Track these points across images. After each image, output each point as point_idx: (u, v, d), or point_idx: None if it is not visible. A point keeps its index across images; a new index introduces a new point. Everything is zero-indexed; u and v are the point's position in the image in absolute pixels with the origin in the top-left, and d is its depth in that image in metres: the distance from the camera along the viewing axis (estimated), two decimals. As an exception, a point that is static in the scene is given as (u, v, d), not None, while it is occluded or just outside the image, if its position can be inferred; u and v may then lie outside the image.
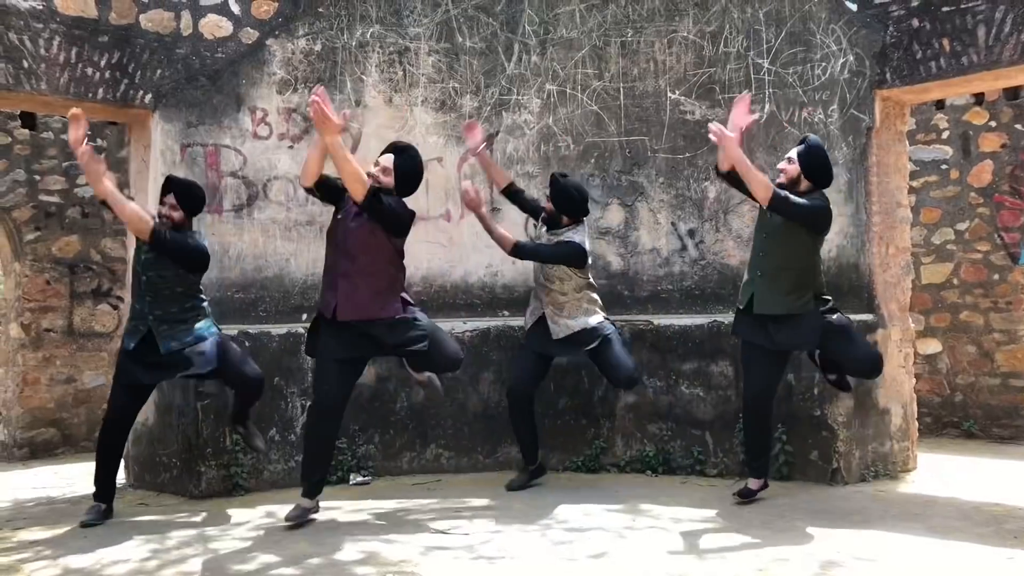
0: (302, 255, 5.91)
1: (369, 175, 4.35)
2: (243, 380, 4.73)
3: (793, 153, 4.71)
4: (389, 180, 4.47)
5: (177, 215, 4.68)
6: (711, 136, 4.62)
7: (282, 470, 5.47)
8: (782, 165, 4.73)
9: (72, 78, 5.27)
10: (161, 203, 4.71)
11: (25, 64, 5.10)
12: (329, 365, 4.45)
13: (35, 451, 7.40)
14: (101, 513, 4.61)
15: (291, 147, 5.97)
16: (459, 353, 4.73)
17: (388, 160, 4.52)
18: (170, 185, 4.75)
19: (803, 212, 4.52)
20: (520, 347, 5.55)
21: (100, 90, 5.37)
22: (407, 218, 4.49)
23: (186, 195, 4.74)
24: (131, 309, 4.77)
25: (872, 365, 4.67)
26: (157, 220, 4.65)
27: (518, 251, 5.20)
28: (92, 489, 4.73)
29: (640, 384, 5.51)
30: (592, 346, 5.12)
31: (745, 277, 4.83)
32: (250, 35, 5.89)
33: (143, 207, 5.06)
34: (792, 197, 4.52)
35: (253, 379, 4.75)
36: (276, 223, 5.87)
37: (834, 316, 4.66)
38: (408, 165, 4.52)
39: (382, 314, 4.41)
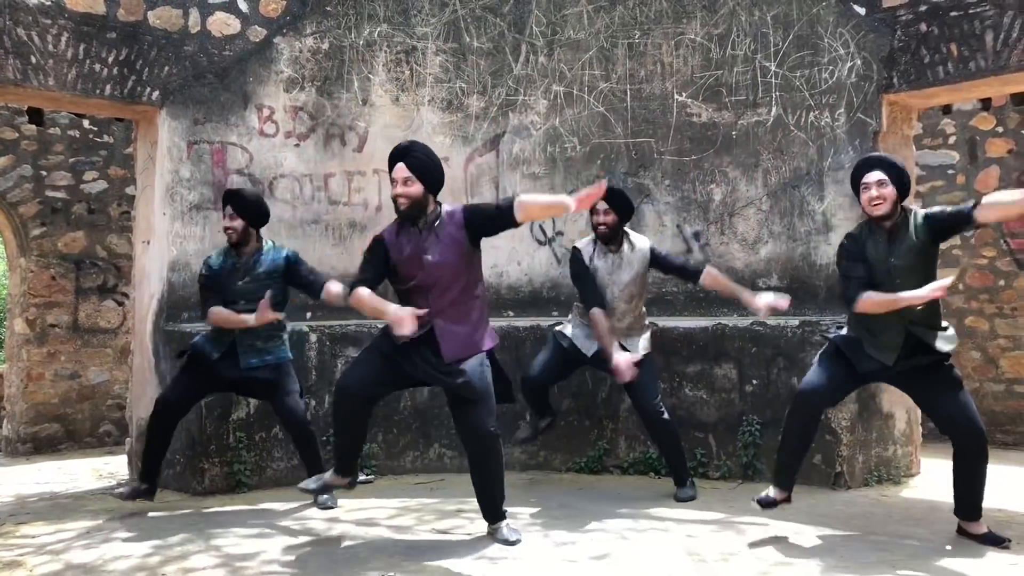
0: (307, 253, 5.88)
1: (397, 198, 3.99)
2: (290, 412, 4.79)
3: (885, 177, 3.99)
4: (416, 188, 3.99)
5: (238, 224, 4.76)
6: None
7: (285, 468, 5.48)
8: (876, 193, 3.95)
9: (80, 74, 5.28)
10: (224, 216, 4.78)
11: (33, 60, 5.11)
12: (377, 359, 4.04)
13: (39, 446, 7.42)
14: (139, 491, 4.69)
15: (297, 145, 5.98)
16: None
17: (402, 170, 4.00)
18: (229, 198, 4.81)
19: None
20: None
21: (108, 86, 5.39)
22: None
23: (252, 207, 4.83)
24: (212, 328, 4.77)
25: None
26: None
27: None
28: (95, 485, 4.74)
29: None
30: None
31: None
32: (258, 33, 5.90)
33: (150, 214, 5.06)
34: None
35: (299, 414, 4.81)
36: (282, 221, 5.87)
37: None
38: (422, 161, 4.04)
39: (483, 347, 4.06)
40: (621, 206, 4.99)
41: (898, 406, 5.57)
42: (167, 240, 5.59)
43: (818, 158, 5.74)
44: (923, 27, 5.31)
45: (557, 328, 5.26)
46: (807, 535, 4.14)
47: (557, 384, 5.53)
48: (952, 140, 7.77)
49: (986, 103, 7.55)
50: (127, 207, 7.79)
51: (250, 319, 4.58)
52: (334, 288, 4.71)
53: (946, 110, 7.74)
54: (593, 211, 4.97)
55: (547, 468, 5.94)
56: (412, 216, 4.01)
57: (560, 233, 6.32)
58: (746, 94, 5.98)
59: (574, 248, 5.15)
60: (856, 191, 4.06)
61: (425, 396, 5.87)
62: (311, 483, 4.21)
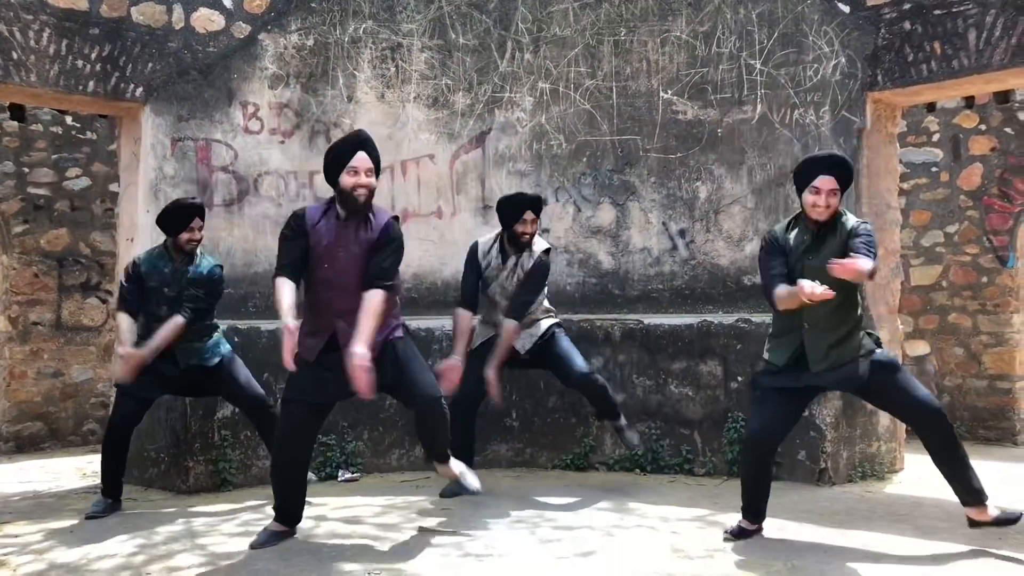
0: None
1: (357, 187, 3.85)
2: (249, 396, 4.83)
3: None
4: (374, 180, 3.94)
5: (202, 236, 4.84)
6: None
7: (269, 467, 5.44)
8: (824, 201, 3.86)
9: (62, 70, 5.24)
10: (190, 229, 4.72)
11: (14, 56, 5.07)
12: (302, 408, 3.93)
13: (21, 445, 7.36)
14: (108, 506, 4.65)
15: (282, 142, 5.96)
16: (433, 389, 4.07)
17: (365, 160, 3.90)
18: (198, 211, 4.81)
19: None
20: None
21: (91, 83, 5.35)
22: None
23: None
24: (144, 327, 4.72)
25: None
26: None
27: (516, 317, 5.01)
28: (78, 484, 4.71)
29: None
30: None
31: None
32: (242, 29, 5.87)
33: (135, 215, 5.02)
34: None
35: (258, 396, 4.85)
36: (267, 218, 5.85)
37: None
38: (377, 153, 3.98)
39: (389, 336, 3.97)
40: (539, 214, 5.16)
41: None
42: (151, 238, 5.54)
43: (803, 155, 5.75)
44: (907, 25, 5.34)
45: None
46: (791, 531, 4.16)
47: (543, 382, 5.53)
48: (936, 138, 7.82)
49: (969, 101, 7.60)
50: (111, 204, 7.74)
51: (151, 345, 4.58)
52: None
53: (930, 108, 7.78)
54: (520, 221, 4.99)
55: (533, 465, 5.95)
56: (363, 210, 3.89)
57: (547, 230, 6.32)
58: (731, 92, 6.00)
59: (474, 243, 5.24)
60: (800, 184, 3.89)
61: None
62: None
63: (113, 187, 7.63)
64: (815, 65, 5.74)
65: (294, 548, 3.91)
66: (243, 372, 4.88)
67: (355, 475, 5.58)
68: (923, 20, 5.28)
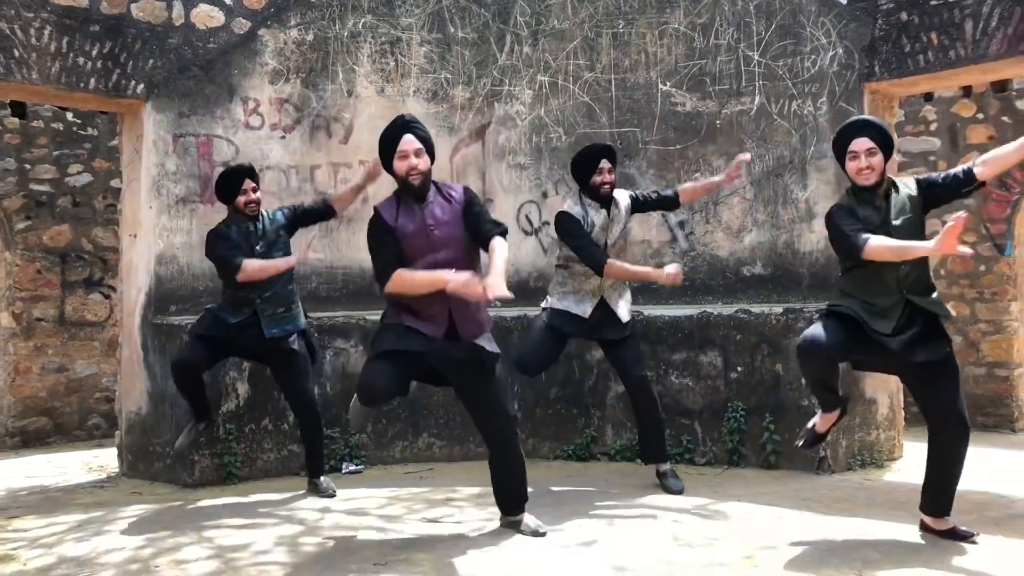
0: (294, 245, 5.90)
1: (411, 172, 3.78)
2: (303, 395, 4.95)
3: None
4: (426, 160, 3.84)
5: (259, 196, 4.98)
6: None
7: (275, 459, 5.51)
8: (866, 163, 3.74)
9: (63, 68, 5.27)
10: (243, 192, 4.87)
11: (16, 53, 5.09)
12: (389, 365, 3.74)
13: (27, 440, 7.42)
14: (198, 429, 4.97)
15: (283, 137, 5.98)
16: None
17: (412, 142, 3.82)
18: (248, 173, 4.94)
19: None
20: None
21: (92, 80, 5.37)
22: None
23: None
24: (227, 294, 4.89)
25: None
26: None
27: None
28: (85, 478, 4.75)
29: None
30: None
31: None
32: (242, 25, 5.89)
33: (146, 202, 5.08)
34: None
35: (311, 399, 4.98)
36: (268, 213, 5.88)
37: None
38: (425, 132, 3.92)
39: (488, 328, 3.98)
40: (615, 161, 4.98)
41: (880, 391, 5.65)
42: (154, 233, 5.59)
43: (801, 147, 5.80)
44: (904, 16, 5.36)
45: (545, 308, 5.03)
46: (791, 519, 4.21)
47: (544, 373, 5.55)
48: (933, 127, 7.84)
49: (967, 90, 7.62)
50: (112, 200, 7.77)
51: (284, 262, 4.74)
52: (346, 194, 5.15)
53: (927, 97, 7.80)
54: (597, 171, 4.83)
55: (535, 456, 5.99)
56: (422, 192, 3.81)
57: (547, 223, 6.35)
58: (730, 83, 6.02)
59: (562, 213, 4.92)
60: (840, 156, 3.82)
61: (413, 386, 5.90)
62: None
63: (115, 183, 7.66)
64: (813, 56, 5.76)
65: (300, 540, 3.96)
66: (307, 367, 5.01)
67: (359, 468, 5.63)
68: (920, 11, 5.30)
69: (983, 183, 3.79)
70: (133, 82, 5.52)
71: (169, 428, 5.37)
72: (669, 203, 5.12)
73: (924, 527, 3.87)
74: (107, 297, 7.87)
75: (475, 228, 3.86)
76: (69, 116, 7.80)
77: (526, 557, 3.63)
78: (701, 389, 5.76)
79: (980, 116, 7.61)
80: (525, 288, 6.33)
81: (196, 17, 5.74)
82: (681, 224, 6.15)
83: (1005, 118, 7.48)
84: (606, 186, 4.86)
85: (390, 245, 3.76)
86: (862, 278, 3.75)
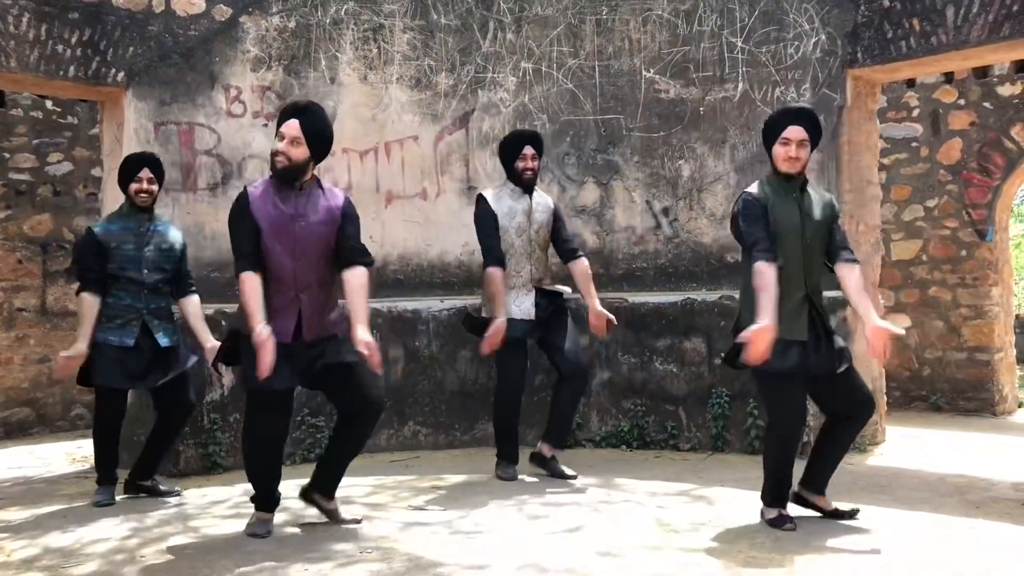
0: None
1: (277, 154, 3.73)
2: (182, 398, 4.69)
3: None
4: (301, 151, 3.72)
5: (155, 188, 4.68)
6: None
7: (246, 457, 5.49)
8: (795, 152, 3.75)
9: (42, 55, 5.21)
10: (136, 180, 4.60)
11: (-6, 41, 5.03)
12: (278, 396, 3.76)
13: (10, 431, 7.37)
14: (111, 493, 4.59)
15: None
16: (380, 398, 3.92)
17: (294, 127, 3.71)
18: (147, 161, 4.68)
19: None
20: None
21: (71, 68, 5.32)
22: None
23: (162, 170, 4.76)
24: (112, 307, 4.53)
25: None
26: None
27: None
28: (68, 469, 4.72)
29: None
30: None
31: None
32: (223, 12, 5.84)
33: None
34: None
35: (190, 402, 4.73)
36: (251, 202, 5.84)
37: None
38: (318, 125, 3.77)
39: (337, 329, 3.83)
40: (541, 149, 5.06)
41: (863, 376, 5.67)
42: (136, 222, 5.55)
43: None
44: (886, 2, 5.38)
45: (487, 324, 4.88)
46: (775, 504, 4.24)
47: (529, 361, 5.55)
48: (916, 113, 7.88)
49: (949, 76, 7.66)
50: (93, 189, 7.70)
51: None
52: (196, 309, 4.71)
53: (910, 83, 7.84)
54: (520, 156, 4.93)
55: (521, 443, 6.00)
56: (286, 177, 3.74)
57: (531, 210, 6.35)
58: (713, 70, 6.03)
59: (479, 195, 5.04)
60: (770, 137, 3.78)
61: (398, 375, 5.91)
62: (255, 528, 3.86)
63: (96, 172, 7.60)
64: (796, 43, 5.77)
65: (285, 529, 3.96)
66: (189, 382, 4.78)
67: (344, 456, 5.63)
68: (902, -3, 5.32)
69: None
70: (113, 70, 5.47)
71: (153, 418, 5.34)
72: (561, 254, 5.04)
73: (800, 498, 3.95)
74: (89, 287, 7.80)
75: (341, 244, 3.80)
76: (48, 104, 7.72)
77: (512, 543, 3.64)
78: (685, 375, 5.79)
79: (962, 102, 7.65)
80: (510, 276, 6.34)
81: (176, 4, 5.69)
82: (665, 211, 6.16)
83: (987, 104, 7.53)
84: (528, 172, 4.96)
85: (248, 226, 3.70)
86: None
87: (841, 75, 5.62)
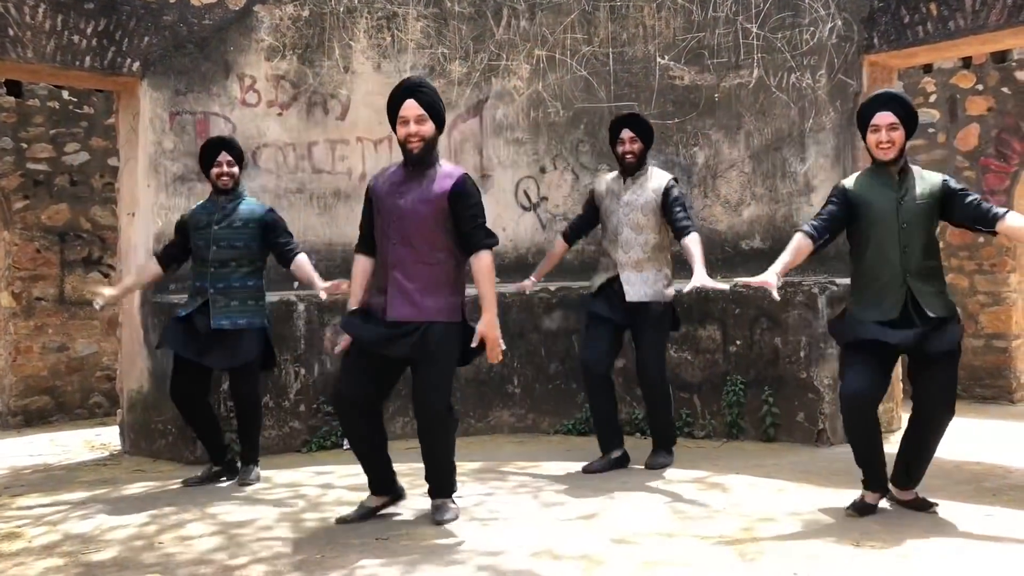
0: (293, 223, 5.87)
1: (409, 139, 3.71)
2: (243, 390, 4.76)
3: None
4: (429, 127, 3.74)
5: (236, 171, 4.82)
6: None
7: (276, 436, 5.54)
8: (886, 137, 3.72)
9: (58, 46, 5.24)
10: (217, 164, 4.74)
11: (10, 32, 5.06)
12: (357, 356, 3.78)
13: (29, 419, 7.45)
14: (209, 474, 4.77)
15: (280, 114, 5.96)
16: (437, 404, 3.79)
17: (414, 107, 3.71)
18: (221, 144, 4.80)
19: None
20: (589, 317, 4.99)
21: (87, 58, 5.35)
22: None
23: (241, 154, 4.90)
24: (191, 286, 4.81)
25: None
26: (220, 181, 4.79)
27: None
28: (87, 456, 4.76)
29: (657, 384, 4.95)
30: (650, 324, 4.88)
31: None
32: (237, 1, 5.85)
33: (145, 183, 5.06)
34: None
35: (246, 394, 4.77)
36: (266, 191, 5.87)
37: None
38: (433, 97, 3.78)
39: (438, 317, 3.76)
40: (646, 133, 4.96)
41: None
42: (152, 212, 5.59)
43: (799, 120, 5.78)
44: (903, -13, 5.32)
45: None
46: (790, 491, 4.24)
47: (544, 348, 5.54)
48: (933, 99, 7.81)
49: (967, 61, 7.58)
50: (110, 178, 7.75)
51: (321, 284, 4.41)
52: (304, 265, 4.66)
53: (927, 69, 7.76)
54: (619, 140, 4.92)
55: (535, 431, 6.03)
56: (423, 159, 3.74)
57: (545, 198, 6.35)
58: (728, 56, 6.00)
59: (596, 180, 5.27)
60: (862, 128, 3.80)
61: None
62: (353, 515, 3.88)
63: (112, 161, 7.64)
64: (811, 28, 5.73)
65: (303, 515, 3.99)
66: (255, 370, 4.84)
67: (360, 443, 5.65)
68: (919, -19, 5.26)
69: (995, 234, 3.77)
70: (129, 60, 5.50)
71: (171, 406, 5.38)
72: (674, 231, 4.90)
73: (889, 496, 3.89)
74: (106, 276, 7.87)
75: (458, 228, 3.78)
76: (65, 95, 7.76)
77: (527, 530, 3.66)
78: (700, 363, 5.78)
79: (980, 87, 7.57)
80: (524, 264, 6.33)
81: (191, -7, 5.70)
82: (680, 198, 6.13)
83: (1005, 89, 7.45)
84: (628, 156, 4.91)
85: (365, 207, 3.89)
86: (866, 261, 3.77)
87: (857, 61, 5.57)
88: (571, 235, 5.20)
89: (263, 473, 4.88)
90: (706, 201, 6.08)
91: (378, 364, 3.77)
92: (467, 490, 4.39)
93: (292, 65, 6.00)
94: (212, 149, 4.79)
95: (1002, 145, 7.46)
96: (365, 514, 3.88)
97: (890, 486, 3.86)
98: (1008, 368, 7.47)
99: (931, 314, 3.67)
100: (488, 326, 3.74)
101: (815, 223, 3.82)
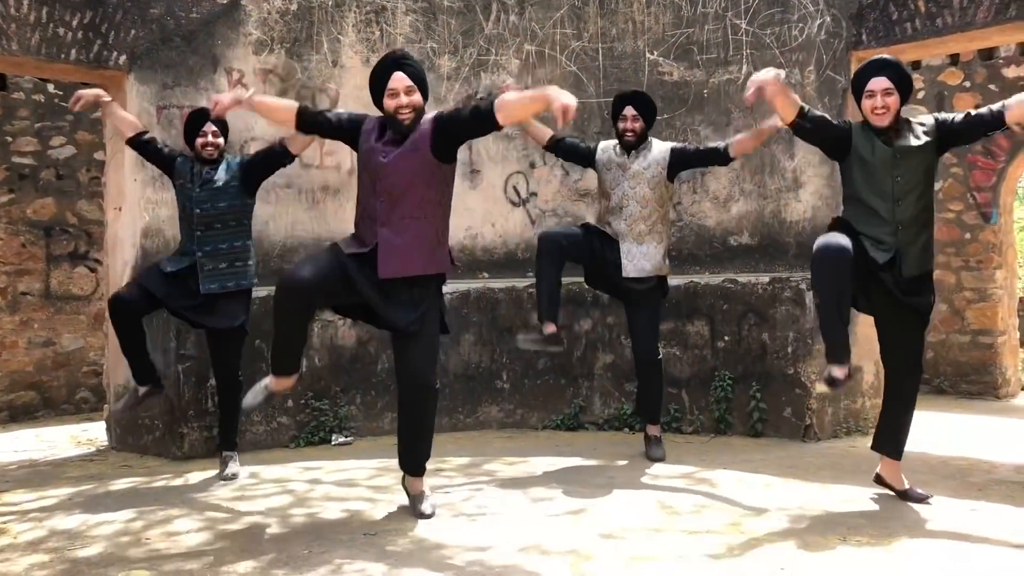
0: (281, 218, 5.90)
1: (399, 110, 3.68)
2: (225, 359, 4.78)
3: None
4: (418, 97, 3.73)
5: (221, 141, 4.79)
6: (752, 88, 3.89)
7: (264, 431, 5.52)
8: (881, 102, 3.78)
9: (43, 39, 5.20)
10: (201, 134, 4.70)
11: (-4, 24, 5.02)
12: (331, 259, 3.68)
13: (15, 414, 7.40)
14: (144, 394, 4.69)
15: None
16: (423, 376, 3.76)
17: (402, 78, 3.71)
18: (207, 114, 4.69)
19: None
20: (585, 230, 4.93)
21: (73, 51, 5.31)
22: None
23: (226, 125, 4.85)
24: (179, 246, 4.82)
25: None
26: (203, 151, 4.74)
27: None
28: (74, 452, 4.72)
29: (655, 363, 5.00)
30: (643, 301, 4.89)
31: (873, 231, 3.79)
32: (225, -6, 5.81)
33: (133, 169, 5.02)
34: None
35: (239, 370, 4.80)
36: (254, 185, 5.84)
37: None
38: (418, 69, 3.79)
39: (430, 269, 3.74)
40: (648, 110, 4.94)
41: (866, 359, 5.69)
42: (139, 207, 5.55)
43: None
44: (891, -16, 5.34)
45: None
46: (777, 486, 4.26)
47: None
48: (921, 95, 7.84)
49: (954, 58, 7.62)
50: (96, 172, 7.70)
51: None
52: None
53: (915, 65, 7.79)
54: (620, 118, 4.90)
55: (524, 426, 6.03)
56: (411, 130, 3.69)
57: (534, 194, 6.35)
58: (717, 52, 6.00)
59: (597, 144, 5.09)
60: (857, 95, 3.83)
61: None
62: (251, 397, 3.81)
63: (98, 155, 7.60)
64: (800, 24, 5.74)
65: (291, 511, 3.98)
66: (238, 345, 4.85)
67: (348, 439, 5.65)
68: (907, -22, 5.28)
69: (1008, 127, 3.80)
70: (115, 53, 5.46)
71: (158, 401, 5.36)
72: (717, 157, 4.84)
73: (879, 480, 3.98)
74: (93, 271, 7.83)
75: (462, 126, 3.71)
76: (51, 88, 7.71)
77: (514, 525, 3.66)
78: (688, 358, 5.79)
79: (967, 84, 7.61)
80: (513, 260, 6.34)
81: (178, -14, 5.66)
82: (668, 194, 6.14)
83: (992, 86, 7.49)
84: (628, 134, 4.89)
85: (345, 121, 3.84)
86: (860, 214, 3.83)
87: (846, 57, 5.59)
88: (560, 140, 5.06)
89: (251, 469, 4.86)
90: (695, 197, 6.09)
91: (344, 288, 3.69)
92: (455, 485, 4.39)
93: (280, 59, 5.98)
94: (198, 119, 4.73)
95: (989, 142, 7.49)
96: (266, 396, 3.82)
97: (880, 468, 3.97)
98: (994, 364, 7.52)
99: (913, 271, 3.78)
100: (549, 90, 3.65)
101: (812, 112, 3.87)
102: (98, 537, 3.63)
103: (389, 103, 3.72)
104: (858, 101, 3.87)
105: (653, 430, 5.03)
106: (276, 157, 4.74)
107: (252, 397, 3.81)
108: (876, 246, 3.76)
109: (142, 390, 4.71)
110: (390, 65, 3.75)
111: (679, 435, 5.66)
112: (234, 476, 4.68)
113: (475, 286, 6.11)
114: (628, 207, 4.88)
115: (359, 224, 3.80)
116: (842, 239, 3.66)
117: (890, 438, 3.96)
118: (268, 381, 3.81)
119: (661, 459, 4.87)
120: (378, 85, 3.79)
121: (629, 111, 4.90)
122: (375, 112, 3.88)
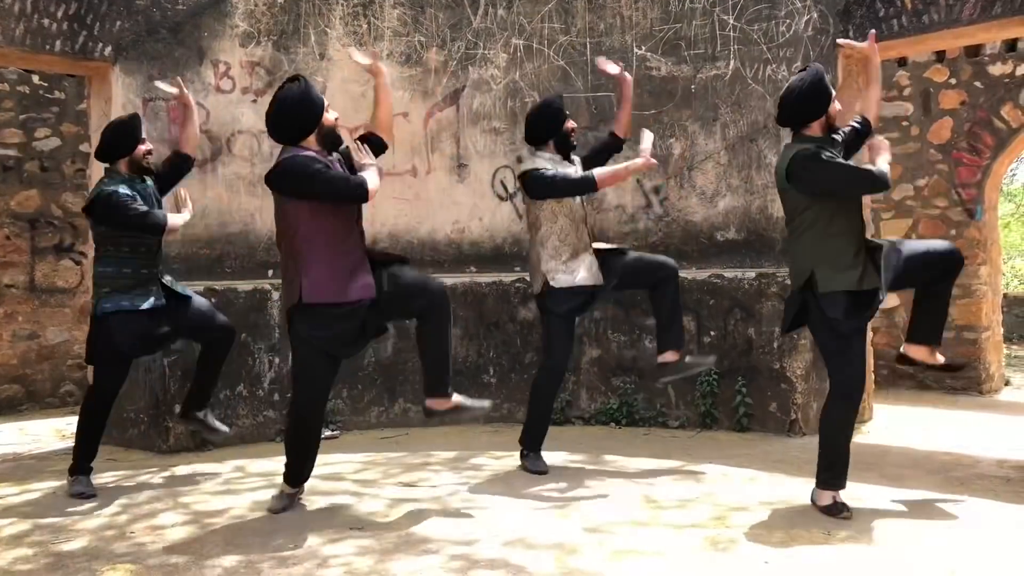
0: (267, 211, 5.82)
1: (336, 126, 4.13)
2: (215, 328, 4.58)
3: None
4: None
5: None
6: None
7: (250, 424, 5.51)
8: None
9: (28, 29, 5.15)
10: (143, 140, 4.39)
11: (-21, 15, 4.97)
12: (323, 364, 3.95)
13: (-1, 408, 7.36)
14: (88, 488, 4.26)
15: (255, 101, 5.90)
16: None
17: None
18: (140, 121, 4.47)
19: None
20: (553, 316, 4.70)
21: (58, 42, 5.27)
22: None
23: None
24: (130, 276, 4.32)
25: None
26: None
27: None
28: (58, 445, 4.70)
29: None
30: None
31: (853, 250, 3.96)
32: (211, -14, 5.78)
33: None
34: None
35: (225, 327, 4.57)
36: (240, 178, 5.83)
37: None
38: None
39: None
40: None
41: (851, 354, 5.71)
42: (124, 199, 5.51)
43: (775, 111, 5.79)
44: (878, -20, 5.36)
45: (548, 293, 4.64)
46: (762, 480, 4.28)
47: (519, 339, 5.50)
48: (907, 92, 7.87)
49: (940, 55, 7.64)
50: (81, 164, 7.65)
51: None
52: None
53: (901, 62, 7.82)
54: (567, 118, 4.69)
55: (511, 420, 6.03)
56: (340, 140, 4.11)
57: (521, 188, 6.34)
58: (704, 47, 6.01)
59: (533, 171, 4.58)
60: (825, 100, 3.79)
61: (389, 352, 5.92)
62: (275, 503, 3.90)
63: (84, 147, 7.54)
64: (787, 20, 5.75)
65: (276, 505, 3.96)
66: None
67: (335, 433, 5.65)
68: (894, -25, 5.30)
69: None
70: (100, 44, 5.42)
71: (143, 395, 5.35)
72: (611, 147, 4.91)
73: (903, 359, 4.23)
74: (78, 263, 7.77)
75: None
76: (35, 79, 7.64)
77: (500, 519, 3.67)
78: (675, 353, 5.79)
79: (953, 81, 7.64)
80: (500, 254, 6.33)
81: (164, -22, 5.63)
82: (656, 189, 6.16)
83: (977, 83, 7.53)
84: (576, 131, 4.78)
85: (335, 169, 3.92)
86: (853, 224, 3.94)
87: (833, 53, 5.60)
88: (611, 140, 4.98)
89: (237, 462, 4.85)
90: (682, 192, 6.10)
91: (335, 364, 4.01)
92: (441, 479, 4.39)
93: (267, 52, 5.95)
94: (135, 126, 4.39)
95: (974, 139, 7.54)
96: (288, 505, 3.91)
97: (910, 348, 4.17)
98: (978, 360, 7.57)
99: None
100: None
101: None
102: (83, 531, 3.62)
103: (329, 117, 4.04)
104: (827, 104, 3.86)
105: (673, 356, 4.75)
106: (178, 167, 4.66)
107: (276, 503, 3.91)
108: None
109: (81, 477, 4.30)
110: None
111: (665, 429, 5.68)
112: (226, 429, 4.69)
113: (462, 280, 6.10)
114: (582, 213, 4.74)
115: (336, 276, 3.76)
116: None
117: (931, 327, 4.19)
118: (288, 489, 3.97)
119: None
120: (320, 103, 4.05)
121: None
122: (363, 103, 3.90)
